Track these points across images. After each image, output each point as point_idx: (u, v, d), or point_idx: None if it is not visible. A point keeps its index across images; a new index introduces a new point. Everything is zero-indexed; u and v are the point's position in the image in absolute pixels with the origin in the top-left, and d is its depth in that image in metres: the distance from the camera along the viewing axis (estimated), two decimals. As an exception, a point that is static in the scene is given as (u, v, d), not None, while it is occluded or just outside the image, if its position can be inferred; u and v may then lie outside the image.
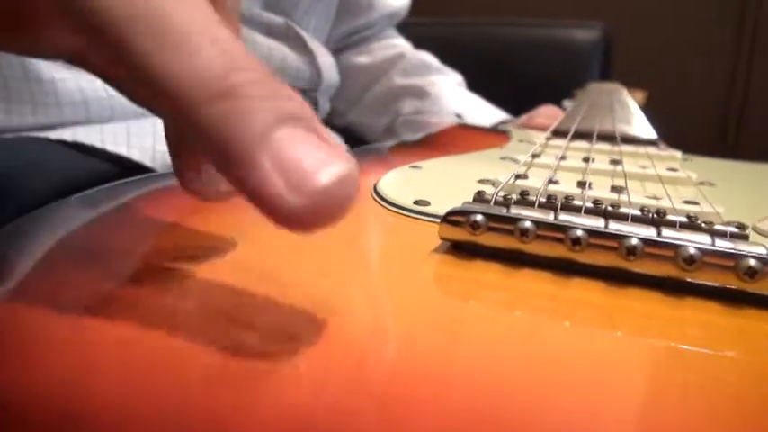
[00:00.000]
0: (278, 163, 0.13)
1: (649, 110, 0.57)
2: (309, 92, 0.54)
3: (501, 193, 0.22)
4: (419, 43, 0.72)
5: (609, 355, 0.15)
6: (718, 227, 0.21)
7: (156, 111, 0.15)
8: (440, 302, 0.18)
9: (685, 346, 0.16)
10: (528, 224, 0.19)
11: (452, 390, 0.13)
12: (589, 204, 0.22)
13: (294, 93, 0.14)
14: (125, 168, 0.38)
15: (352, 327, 0.16)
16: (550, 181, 0.28)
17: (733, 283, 0.18)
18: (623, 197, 0.26)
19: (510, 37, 1.18)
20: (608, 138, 0.41)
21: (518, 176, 0.29)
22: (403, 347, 0.15)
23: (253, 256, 0.20)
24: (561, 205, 0.22)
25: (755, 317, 0.18)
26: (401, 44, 0.68)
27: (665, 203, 0.26)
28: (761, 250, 0.18)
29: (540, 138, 0.41)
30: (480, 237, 0.20)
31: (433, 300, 0.18)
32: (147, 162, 0.39)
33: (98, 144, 0.38)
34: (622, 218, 0.21)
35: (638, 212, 0.21)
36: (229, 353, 0.14)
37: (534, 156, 0.34)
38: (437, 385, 0.13)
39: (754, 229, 0.25)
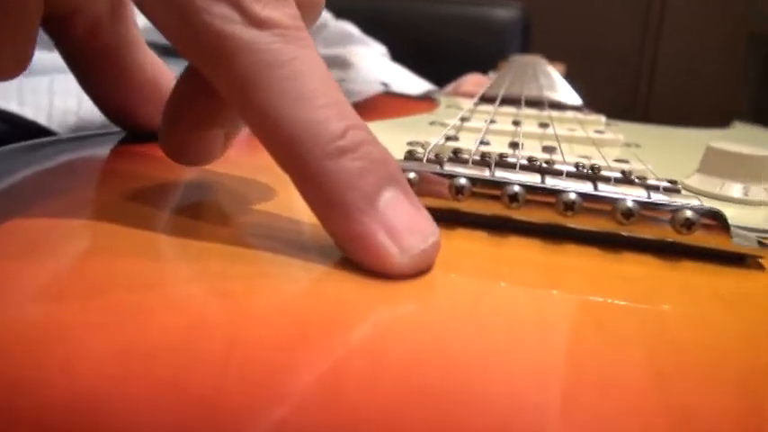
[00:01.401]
0: (385, 223, 0.14)
1: (567, 82, 0.57)
2: None
3: (432, 153, 0.21)
4: (341, 14, 0.70)
5: (547, 312, 0.14)
6: (651, 182, 0.20)
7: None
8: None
9: (625, 302, 0.15)
10: (463, 181, 0.18)
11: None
12: (524, 162, 0.21)
13: (391, 155, 0.16)
14: (16, 127, 0.34)
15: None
16: (482, 142, 0.27)
17: (670, 235, 0.18)
18: (556, 156, 0.26)
19: (432, 13, 1.17)
20: (535, 103, 0.41)
21: (448, 138, 0.28)
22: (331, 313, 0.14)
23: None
24: (496, 162, 0.21)
25: (692, 269, 0.17)
26: (322, 14, 0.66)
27: (597, 162, 0.25)
28: (695, 202, 0.18)
29: (468, 104, 0.41)
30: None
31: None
32: (42, 121, 0.35)
33: None
34: (558, 174, 0.20)
35: (573, 169, 0.21)
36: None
37: (463, 119, 0.33)
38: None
39: (684, 186, 0.25)
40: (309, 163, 0.15)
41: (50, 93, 0.35)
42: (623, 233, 0.18)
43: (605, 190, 0.18)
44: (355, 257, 0.15)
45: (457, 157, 0.22)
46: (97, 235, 0.16)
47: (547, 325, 0.14)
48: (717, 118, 0.57)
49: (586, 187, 0.18)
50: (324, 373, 0.11)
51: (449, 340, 0.12)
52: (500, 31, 1.18)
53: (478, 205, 0.19)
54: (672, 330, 0.14)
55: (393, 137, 0.30)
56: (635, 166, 0.25)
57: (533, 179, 0.19)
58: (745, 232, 0.19)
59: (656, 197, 0.18)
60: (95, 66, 0.24)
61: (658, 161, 0.30)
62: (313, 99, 0.15)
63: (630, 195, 0.18)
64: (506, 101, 0.41)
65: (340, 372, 0.11)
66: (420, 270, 0.15)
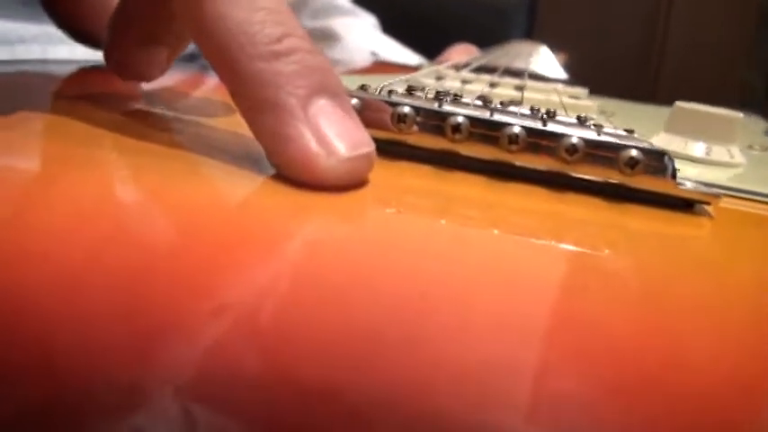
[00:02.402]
0: (315, 128, 0.14)
1: (571, 67, 0.56)
2: None
3: (386, 91, 0.21)
4: None
5: (485, 252, 0.14)
6: (607, 129, 0.20)
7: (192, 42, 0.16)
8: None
9: (558, 242, 0.15)
10: (406, 109, 0.18)
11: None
12: (478, 102, 0.20)
13: (332, 68, 0.16)
14: None
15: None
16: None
17: (615, 177, 0.17)
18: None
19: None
20: (517, 74, 0.40)
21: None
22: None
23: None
24: (449, 99, 0.20)
25: (634, 213, 0.17)
26: None
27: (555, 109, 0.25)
28: (644, 144, 0.17)
29: (451, 70, 0.40)
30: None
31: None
32: None
33: None
34: (510, 114, 0.19)
35: (527, 111, 0.20)
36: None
37: (439, 78, 0.33)
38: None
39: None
40: (242, 62, 0.14)
41: (44, 63, 0.35)
42: (569, 173, 0.17)
43: (553, 127, 0.18)
44: (281, 160, 0.15)
45: (410, 93, 0.21)
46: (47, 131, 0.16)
47: (467, 260, 0.13)
48: (726, 100, 0.55)
49: (534, 124, 0.18)
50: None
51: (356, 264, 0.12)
52: (504, 12, 1.17)
53: (423, 138, 0.18)
54: (597, 269, 0.13)
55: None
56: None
57: (481, 114, 0.18)
58: (698, 184, 0.18)
59: (604, 137, 0.18)
60: None
61: (629, 125, 0.29)
62: (252, 2, 0.15)
63: (577, 133, 0.17)
64: (488, 69, 0.41)
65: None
66: (348, 180, 0.15)
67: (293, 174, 0.14)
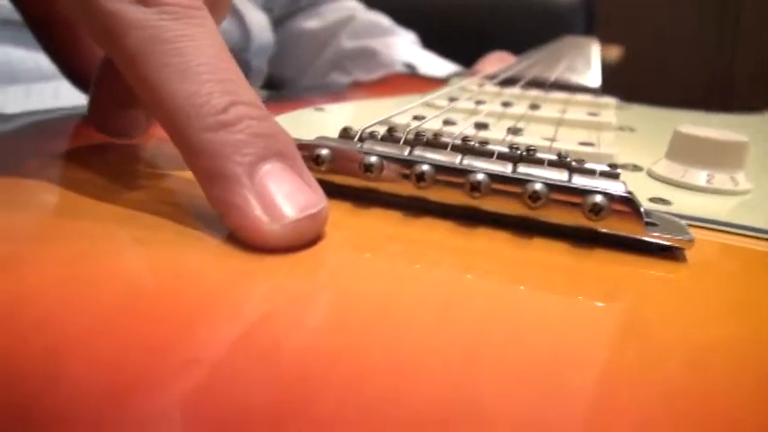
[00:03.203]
0: (260, 194, 0.15)
1: (629, 67, 0.54)
2: (240, 53, 0.52)
3: (368, 132, 0.21)
4: (391, 7, 0.69)
5: (427, 293, 0.14)
6: (589, 165, 0.19)
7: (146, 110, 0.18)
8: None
9: (519, 286, 0.15)
10: (373, 159, 0.18)
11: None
12: (457, 141, 0.20)
13: (283, 131, 0.16)
14: None
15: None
16: (446, 122, 0.26)
17: (582, 221, 0.17)
18: (521, 138, 0.25)
19: (482, 2, 1.14)
20: (541, 84, 0.40)
21: (415, 117, 0.27)
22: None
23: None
24: (425, 142, 0.20)
25: (600, 258, 0.16)
26: (352, 5, 0.66)
27: (559, 145, 0.24)
28: (615, 187, 0.17)
29: (473, 83, 0.39)
30: (325, 174, 0.18)
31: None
32: None
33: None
34: (485, 154, 0.19)
35: (505, 150, 0.20)
36: None
37: (452, 99, 0.33)
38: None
39: (649, 172, 0.23)
40: (191, 134, 0.15)
41: (56, 98, 0.37)
42: (537, 218, 0.17)
43: (523, 172, 0.17)
44: (231, 227, 0.15)
45: (390, 135, 0.21)
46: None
47: (433, 311, 0.13)
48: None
49: (501, 168, 0.17)
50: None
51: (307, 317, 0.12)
52: (560, 18, 1.13)
53: (391, 186, 0.18)
54: (537, 319, 0.13)
55: (369, 114, 0.30)
56: (598, 151, 0.24)
57: (449, 159, 0.18)
58: (678, 221, 0.18)
59: (575, 180, 0.17)
60: (52, 31, 0.25)
61: (641, 145, 0.28)
62: (198, 74, 0.15)
63: (541, 178, 0.17)
64: (514, 81, 0.40)
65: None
66: (296, 242, 0.15)
67: (243, 239, 0.15)
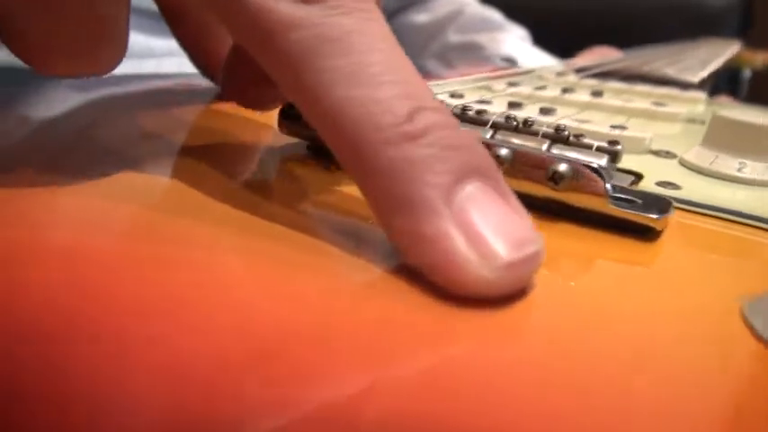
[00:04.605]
0: (465, 227, 0.11)
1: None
2: None
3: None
4: (527, 10, 0.67)
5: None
6: (587, 140, 0.18)
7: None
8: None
9: None
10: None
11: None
12: (459, 112, 0.20)
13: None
14: None
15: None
16: (511, 104, 0.25)
17: (544, 191, 0.16)
18: (546, 118, 0.24)
19: (631, 2, 1.08)
20: (628, 77, 0.37)
21: (452, 95, 0.27)
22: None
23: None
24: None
25: (561, 232, 0.15)
26: (459, 1, 0.65)
27: (590, 127, 0.23)
28: (581, 157, 0.16)
29: (552, 73, 0.38)
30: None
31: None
32: None
33: None
34: (480, 123, 0.19)
35: (501, 120, 0.19)
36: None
37: (539, 89, 0.31)
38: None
39: (681, 161, 0.21)
40: (366, 151, 0.12)
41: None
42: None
43: (498, 138, 0.17)
44: (421, 265, 0.12)
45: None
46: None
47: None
48: None
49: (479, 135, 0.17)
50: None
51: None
52: (712, 19, 1.05)
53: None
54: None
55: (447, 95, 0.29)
56: (627, 134, 0.22)
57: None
58: (668, 202, 0.16)
59: (553, 151, 0.16)
60: (185, 24, 0.25)
61: (694, 136, 0.26)
62: (373, 76, 0.12)
63: (512, 144, 0.16)
64: (601, 73, 0.38)
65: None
66: (511, 288, 0.11)
67: (437, 281, 0.11)
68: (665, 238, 0.15)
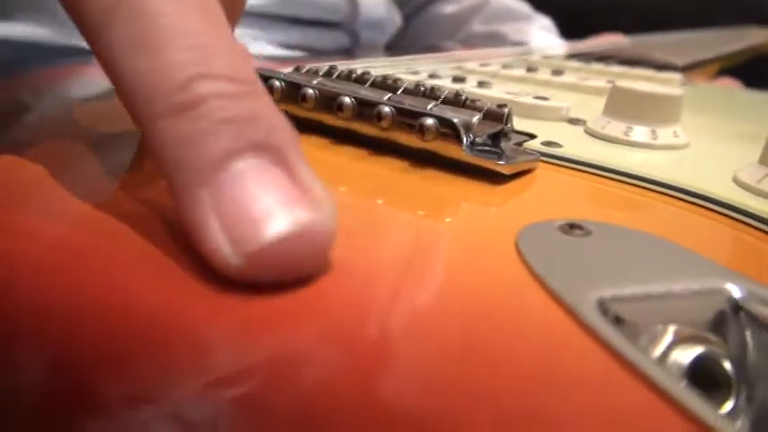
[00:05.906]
0: (220, 206, 0.10)
1: None
2: (346, 24, 0.54)
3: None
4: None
5: None
6: (481, 103, 0.20)
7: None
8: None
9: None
10: (276, 83, 0.21)
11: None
12: (379, 79, 0.22)
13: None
14: None
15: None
16: (479, 84, 0.28)
17: (416, 143, 0.18)
18: (484, 91, 0.26)
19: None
20: (613, 59, 0.39)
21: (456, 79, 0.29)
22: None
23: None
24: (356, 78, 0.22)
25: (426, 176, 0.18)
26: None
27: (518, 99, 0.25)
28: (449, 115, 0.18)
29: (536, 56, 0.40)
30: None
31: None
32: None
33: None
34: (391, 88, 0.21)
35: (411, 86, 0.21)
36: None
37: (530, 70, 0.33)
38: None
39: (590, 131, 0.23)
40: (144, 124, 0.11)
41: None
42: (388, 138, 0.19)
43: (384, 99, 0.19)
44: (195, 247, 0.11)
45: (330, 71, 0.23)
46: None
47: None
48: None
49: (374, 95, 0.20)
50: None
51: None
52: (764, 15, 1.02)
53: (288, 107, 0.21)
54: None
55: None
56: (548, 104, 0.24)
57: (352, 89, 0.20)
58: (533, 154, 0.18)
59: (439, 110, 0.19)
60: None
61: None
62: (160, 42, 0.11)
63: (393, 102, 0.19)
64: (599, 58, 0.40)
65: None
66: (269, 276, 0.10)
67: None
68: (519, 182, 0.18)
